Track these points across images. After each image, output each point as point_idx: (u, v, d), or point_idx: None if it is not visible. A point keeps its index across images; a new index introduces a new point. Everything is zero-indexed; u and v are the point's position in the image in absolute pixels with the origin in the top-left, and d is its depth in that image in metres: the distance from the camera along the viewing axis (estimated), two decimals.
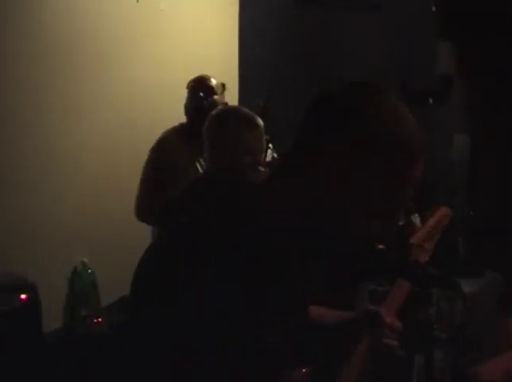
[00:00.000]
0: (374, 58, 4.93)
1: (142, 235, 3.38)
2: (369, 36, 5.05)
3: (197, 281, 1.07)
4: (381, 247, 1.26)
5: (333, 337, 1.58)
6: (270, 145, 3.26)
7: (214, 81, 3.29)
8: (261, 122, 2.37)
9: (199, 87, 3.24)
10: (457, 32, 4.56)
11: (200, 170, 3.04)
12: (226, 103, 3.30)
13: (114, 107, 3.90)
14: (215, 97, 3.23)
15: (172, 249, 1.14)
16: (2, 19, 3.36)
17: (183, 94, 3.35)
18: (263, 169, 2.36)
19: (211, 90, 3.24)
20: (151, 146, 3.23)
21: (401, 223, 2.17)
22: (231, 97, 4.28)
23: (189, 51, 4.27)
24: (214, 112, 2.47)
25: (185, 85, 3.37)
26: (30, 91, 3.49)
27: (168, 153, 3.19)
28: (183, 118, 3.34)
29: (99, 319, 3.27)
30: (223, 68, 4.41)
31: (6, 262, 3.23)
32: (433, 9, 4.77)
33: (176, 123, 3.37)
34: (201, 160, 3.01)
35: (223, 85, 3.32)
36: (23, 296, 2.82)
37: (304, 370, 1.49)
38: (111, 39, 3.85)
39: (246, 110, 2.41)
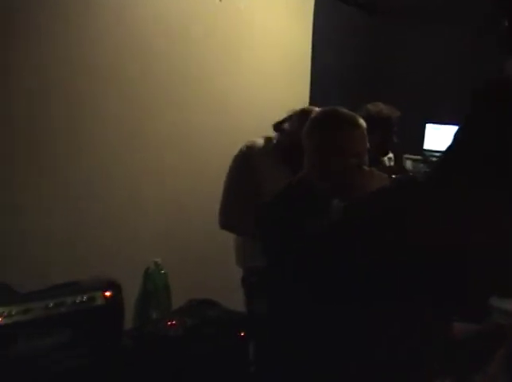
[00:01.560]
0: (439, 71, 4.90)
1: (219, 239, 3.37)
2: (433, 50, 5.02)
3: None
4: None
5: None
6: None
7: None
8: (362, 121, 2.29)
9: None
10: None
11: None
12: None
13: (192, 110, 3.89)
14: None
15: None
16: (81, 31, 3.35)
17: (257, 96, 3.30)
18: (368, 169, 2.30)
19: None
20: (235, 153, 3.18)
21: None
22: (302, 100, 4.28)
23: (264, 53, 4.25)
24: (314, 115, 2.41)
25: (258, 87, 3.32)
26: (107, 94, 3.49)
27: (251, 165, 3.14)
28: (260, 120, 3.29)
29: (173, 322, 3.24)
30: (295, 72, 4.40)
31: (85, 262, 3.23)
32: (506, 24, 4.71)
33: (256, 126, 3.33)
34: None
35: None
36: (107, 293, 2.81)
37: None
38: (189, 38, 3.84)
39: (345, 110, 2.33)
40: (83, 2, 3.28)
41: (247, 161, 3.12)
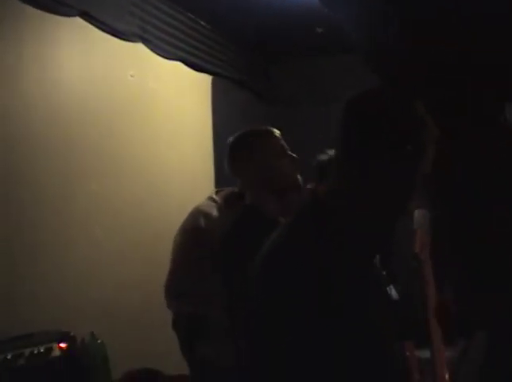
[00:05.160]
0: None
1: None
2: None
3: None
4: None
5: None
6: None
7: None
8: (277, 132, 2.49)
9: None
10: None
11: None
12: None
13: (114, 182, 3.99)
14: None
15: None
16: None
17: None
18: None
19: None
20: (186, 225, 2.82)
21: None
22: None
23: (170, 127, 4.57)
24: (232, 141, 2.52)
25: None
26: None
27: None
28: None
29: None
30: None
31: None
32: None
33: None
34: None
35: None
36: (63, 345, 2.74)
37: None
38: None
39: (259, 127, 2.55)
40: None
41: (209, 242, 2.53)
